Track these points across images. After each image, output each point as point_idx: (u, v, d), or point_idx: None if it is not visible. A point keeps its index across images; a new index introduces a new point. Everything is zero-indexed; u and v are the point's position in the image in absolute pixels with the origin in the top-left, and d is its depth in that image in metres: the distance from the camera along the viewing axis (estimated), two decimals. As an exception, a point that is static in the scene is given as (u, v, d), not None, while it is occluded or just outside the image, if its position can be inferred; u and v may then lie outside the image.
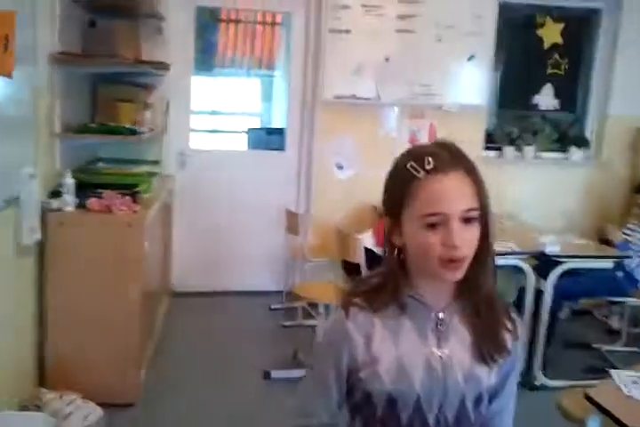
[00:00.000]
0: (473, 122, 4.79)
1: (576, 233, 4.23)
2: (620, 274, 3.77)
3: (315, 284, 3.83)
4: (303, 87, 4.76)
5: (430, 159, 1.01)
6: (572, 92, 5.09)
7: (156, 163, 4.29)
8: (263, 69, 5.89)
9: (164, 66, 3.98)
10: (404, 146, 1.20)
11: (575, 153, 5.07)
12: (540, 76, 5.01)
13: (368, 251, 3.69)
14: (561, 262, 3.48)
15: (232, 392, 3.28)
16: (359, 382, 1.08)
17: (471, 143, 4.78)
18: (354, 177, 4.76)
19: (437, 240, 1.00)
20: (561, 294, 3.59)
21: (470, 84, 4.78)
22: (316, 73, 4.66)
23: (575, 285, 3.71)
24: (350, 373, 1.09)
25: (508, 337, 1.11)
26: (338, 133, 4.70)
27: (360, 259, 3.62)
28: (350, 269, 3.76)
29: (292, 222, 4.47)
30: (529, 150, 5.01)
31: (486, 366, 1.09)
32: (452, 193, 1.01)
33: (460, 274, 1.03)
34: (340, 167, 4.80)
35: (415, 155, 1.05)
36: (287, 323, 4.30)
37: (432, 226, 1.01)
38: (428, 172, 1.01)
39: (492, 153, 5.03)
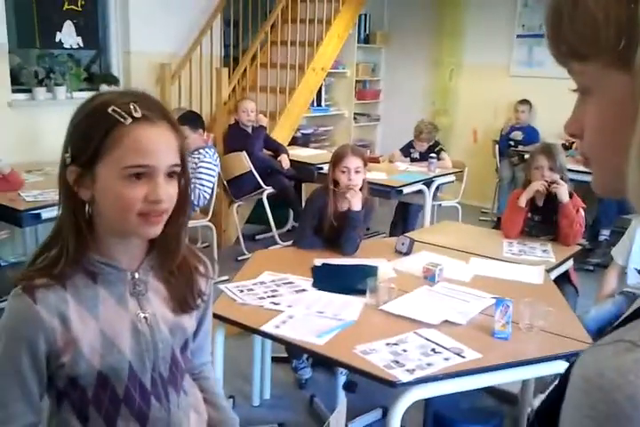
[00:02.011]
0: (-6, 62, 4.30)
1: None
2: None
3: None
4: None
5: (138, 107, 0.94)
6: (92, 29, 5.03)
7: None
8: None
9: None
10: None
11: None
12: (58, 11, 4.76)
13: None
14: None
15: None
16: (61, 368, 0.99)
17: (-3, 86, 4.34)
18: None
19: (140, 194, 0.94)
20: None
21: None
22: None
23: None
24: (49, 360, 0.98)
25: (202, 281, 1.13)
26: None
27: None
28: None
29: None
30: (61, 91, 4.80)
31: (187, 314, 1.11)
32: (160, 145, 0.96)
33: (159, 230, 0.99)
34: None
35: (115, 100, 0.95)
36: None
37: (136, 178, 0.94)
38: (135, 119, 0.93)
39: (21, 96, 4.64)
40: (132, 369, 1.02)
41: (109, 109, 0.93)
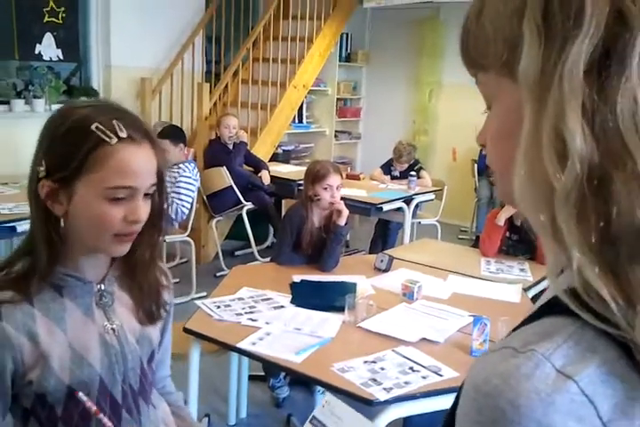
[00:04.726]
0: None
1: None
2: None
3: None
4: None
5: (122, 126, 0.91)
6: (73, 42, 5.01)
7: None
8: None
9: None
10: None
11: (86, 104, 5.06)
12: (39, 24, 4.74)
13: None
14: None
15: None
16: (28, 386, 0.96)
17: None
18: None
19: (120, 214, 0.94)
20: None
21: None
22: None
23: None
24: (15, 379, 0.95)
25: (165, 292, 1.13)
26: None
27: None
28: None
29: None
30: (39, 103, 4.76)
31: (153, 324, 1.10)
32: (143, 166, 0.94)
33: (127, 248, 0.99)
34: None
35: (97, 116, 0.92)
36: None
37: (117, 199, 0.93)
38: (120, 139, 0.91)
39: (-1, 108, 4.60)
40: (102, 382, 1.00)
41: (93, 127, 0.90)
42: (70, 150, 0.92)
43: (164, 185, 1.01)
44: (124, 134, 0.92)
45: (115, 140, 0.91)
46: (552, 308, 0.47)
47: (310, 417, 1.65)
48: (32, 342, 0.94)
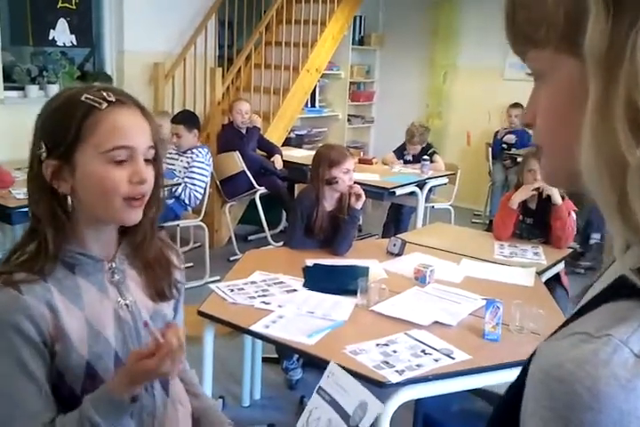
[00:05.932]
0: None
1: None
2: (170, 201, 4.09)
3: None
4: None
5: (110, 93, 0.96)
6: (86, 27, 5.01)
7: None
8: None
9: None
10: None
11: (100, 90, 5.07)
12: (52, 9, 4.75)
13: None
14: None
15: None
16: (53, 358, 0.98)
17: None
18: None
19: (125, 175, 0.96)
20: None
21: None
22: None
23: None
24: (45, 345, 0.97)
25: (176, 271, 1.15)
26: None
27: None
28: None
29: None
30: (53, 89, 4.78)
31: (165, 302, 1.13)
32: (137, 126, 0.98)
33: (140, 215, 1.01)
34: None
35: (86, 90, 0.97)
36: None
37: (118, 161, 0.96)
38: (110, 103, 0.95)
39: (13, 93, 4.62)
40: (117, 357, 1.03)
41: (82, 97, 0.95)
42: (64, 123, 0.95)
43: (159, 153, 1.03)
44: (112, 99, 0.96)
45: (105, 104, 0.95)
46: (618, 290, 0.46)
47: (317, 387, 1.66)
48: (53, 314, 0.96)
